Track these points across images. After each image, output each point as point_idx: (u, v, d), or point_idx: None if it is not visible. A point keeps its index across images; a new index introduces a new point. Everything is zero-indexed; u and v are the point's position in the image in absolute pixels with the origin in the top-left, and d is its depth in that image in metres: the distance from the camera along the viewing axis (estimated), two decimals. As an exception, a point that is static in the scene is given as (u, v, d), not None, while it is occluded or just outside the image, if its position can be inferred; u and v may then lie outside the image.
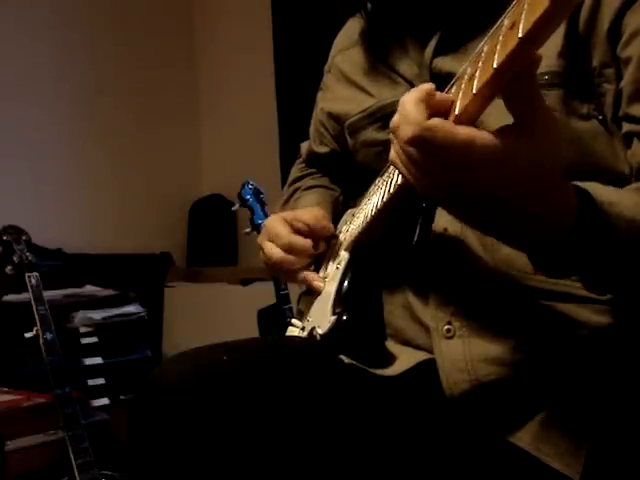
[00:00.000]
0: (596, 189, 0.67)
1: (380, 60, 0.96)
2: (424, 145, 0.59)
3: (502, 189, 0.60)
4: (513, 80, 0.56)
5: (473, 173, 0.59)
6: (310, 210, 0.99)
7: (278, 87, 3.67)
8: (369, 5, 0.98)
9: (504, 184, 0.60)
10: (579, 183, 0.67)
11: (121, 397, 2.67)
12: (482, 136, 0.58)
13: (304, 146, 1.20)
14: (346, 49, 1.04)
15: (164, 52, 3.86)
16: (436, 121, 0.58)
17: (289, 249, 0.96)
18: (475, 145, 0.58)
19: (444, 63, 0.86)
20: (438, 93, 0.62)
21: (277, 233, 0.97)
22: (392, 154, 0.65)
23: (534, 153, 0.59)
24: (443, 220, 0.84)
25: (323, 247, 0.98)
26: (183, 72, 3.97)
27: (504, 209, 0.62)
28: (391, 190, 0.79)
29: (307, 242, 0.96)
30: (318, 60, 1.14)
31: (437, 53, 0.87)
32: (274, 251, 0.97)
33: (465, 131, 0.58)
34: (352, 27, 1.04)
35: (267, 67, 3.67)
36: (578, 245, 0.65)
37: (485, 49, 0.58)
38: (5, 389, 2.47)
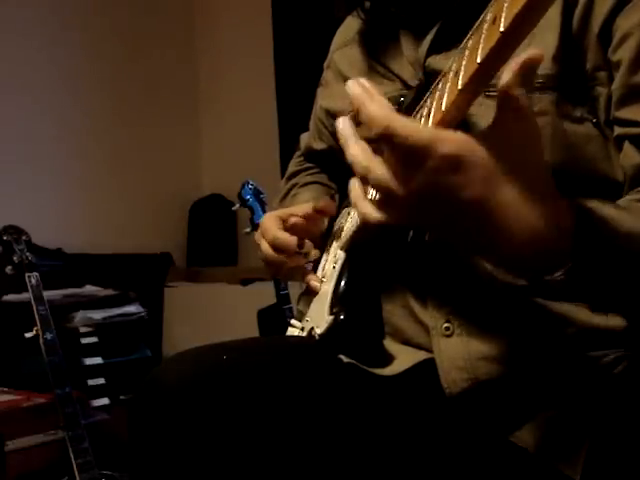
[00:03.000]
0: (592, 203, 0.65)
1: (376, 59, 0.96)
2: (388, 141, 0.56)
3: (485, 195, 0.57)
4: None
5: (450, 178, 0.56)
6: (307, 205, 0.99)
7: (278, 87, 3.67)
8: (367, 3, 0.99)
9: (488, 189, 0.57)
10: (577, 199, 0.64)
11: (121, 397, 2.66)
12: (448, 135, 0.56)
13: (304, 138, 1.20)
14: (344, 46, 1.05)
15: (164, 52, 3.86)
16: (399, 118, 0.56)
17: (273, 245, 0.97)
18: (443, 144, 0.55)
19: (437, 62, 0.86)
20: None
21: (266, 229, 0.98)
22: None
23: (514, 156, 0.57)
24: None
25: (309, 246, 0.99)
26: (183, 72, 3.97)
27: (489, 220, 0.58)
28: None
29: (291, 239, 0.96)
30: (318, 60, 1.14)
31: (431, 52, 0.87)
32: (264, 247, 0.98)
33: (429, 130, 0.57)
34: (351, 24, 1.05)
35: (267, 67, 3.67)
36: (577, 262, 0.62)
37: (469, 44, 0.58)
38: (5, 389, 2.47)
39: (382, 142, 0.57)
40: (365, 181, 0.60)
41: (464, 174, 0.56)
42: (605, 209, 0.65)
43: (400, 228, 0.71)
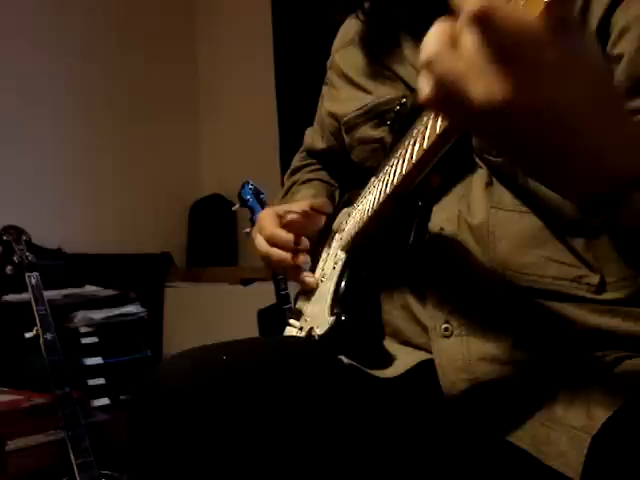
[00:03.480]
0: None
1: (377, 60, 0.96)
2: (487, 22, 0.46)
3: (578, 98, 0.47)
4: None
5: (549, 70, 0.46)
6: (304, 202, 1.01)
7: (278, 87, 3.67)
8: (367, 5, 0.98)
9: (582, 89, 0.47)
10: None
11: (121, 397, 2.67)
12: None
13: (308, 134, 1.20)
14: (345, 47, 1.05)
15: (165, 52, 3.86)
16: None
17: (272, 242, 0.99)
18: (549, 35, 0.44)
19: None
20: None
21: (263, 225, 1.00)
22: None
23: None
24: (439, 220, 0.84)
25: (306, 244, 1.00)
26: (183, 72, 3.97)
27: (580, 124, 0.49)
28: (387, 190, 0.79)
29: (288, 236, 0.98)
30: (319, 60, 1.14)
31: None
32: (261, 243, 1.00)
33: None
34: (351, 25, 1.05)
35: (267, 67, 3.67)
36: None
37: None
38: (5, 389, 2.47)
39: (475, 25, 0.47)
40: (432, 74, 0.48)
41: (580, 76, 0.47)
42: None
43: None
